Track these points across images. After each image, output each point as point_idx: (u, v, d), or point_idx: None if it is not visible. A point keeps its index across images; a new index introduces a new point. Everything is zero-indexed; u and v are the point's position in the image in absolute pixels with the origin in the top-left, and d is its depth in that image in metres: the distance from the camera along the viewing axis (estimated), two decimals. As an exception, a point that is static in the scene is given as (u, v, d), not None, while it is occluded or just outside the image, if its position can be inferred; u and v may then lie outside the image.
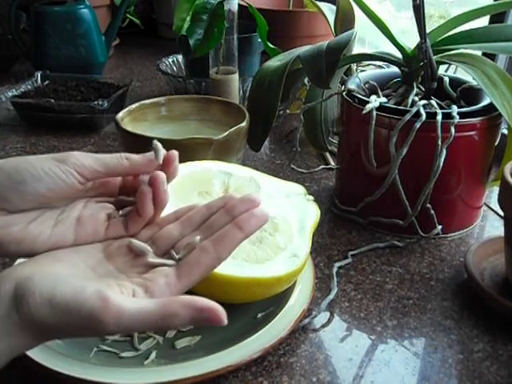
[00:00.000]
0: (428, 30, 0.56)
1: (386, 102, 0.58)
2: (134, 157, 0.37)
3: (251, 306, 0.47)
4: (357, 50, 0.79)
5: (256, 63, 1.02)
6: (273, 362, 0.44)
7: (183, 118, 0.72)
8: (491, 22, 0.81)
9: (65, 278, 0.30)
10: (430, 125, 0.54)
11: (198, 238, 0.34)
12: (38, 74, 0.98)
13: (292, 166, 0.77)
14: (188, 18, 0.81)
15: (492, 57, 0.72)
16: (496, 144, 0.60)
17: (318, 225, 0.50)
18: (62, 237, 0.35)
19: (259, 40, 0.95)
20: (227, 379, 0.42)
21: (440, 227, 0.58)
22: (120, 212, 0.37)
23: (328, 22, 0.88)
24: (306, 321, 0.48)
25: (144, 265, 0.34)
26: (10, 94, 0.91)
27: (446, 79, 0.62)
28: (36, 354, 0.40)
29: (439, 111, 0.54)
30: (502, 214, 0.51)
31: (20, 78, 1.00)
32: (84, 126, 0.88)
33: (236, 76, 0.81)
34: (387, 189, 0.56)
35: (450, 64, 0.65)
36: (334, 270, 0.54)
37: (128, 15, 1.37)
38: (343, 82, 0.67)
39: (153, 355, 0.43)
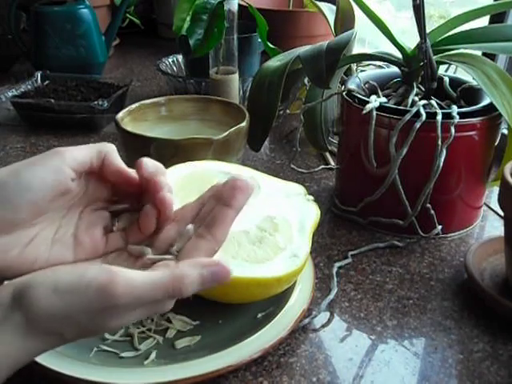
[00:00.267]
0: (428, 30, 0.56)
1: (385, 102, 0.58)
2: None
3: (251, 306, 0.47)
4: (357, 49, 0.79)
5: (256, 63, 1.02)
6: (273, 362, 0.44)
7: (183, 118, 0.72)
8: (491, 22, 0.81)
9: (65, 268, 0.30)
10: (429, 125, 0.54)
11: (191, 226, 0.34)
12: (38, 74, 0.98)
13: (292, 165, 0.77)
14: (188, 18, 0.81)
15: (492, 57, 0.72)
16: (496, 144, 0.60)
17: (318, 225, 0.50)
18: (61, 258, 0.33)
19: (259, 40, 0.95)
20: (227, 379, 0.42)
21: (440, 227, 0.58)
22: (117, 223, 0.36)
23: (328, 21, 0.88)
24: (306, 321, 0.48)
25: (144, 264, 0.33)
26: (10, 93, 0.91)
27: (446, 79, 0.62)
28: (36, 354, 0.40)
29: (439, 111, 0.54)
30: (502, 213, 0.51)
31: (20, 78, 1.00)
32: (84, 126, 0.88)
33: (236, 76, 0.81)
34: (387, 189, 0.56)
35: (450, 64, 0.65)
36: (334, 269, 0.54)
37: (128, 15, 1.37)
38: (343, 82, 0.67)
39: (153, 355, 0.43)
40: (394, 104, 0.60)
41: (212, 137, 0.59)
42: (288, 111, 0.90)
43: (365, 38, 1.21)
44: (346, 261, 0.56)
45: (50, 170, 0.32)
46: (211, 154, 0.59)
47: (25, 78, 0.97)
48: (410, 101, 0.59)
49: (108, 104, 0.85)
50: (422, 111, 0.54)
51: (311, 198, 0.52)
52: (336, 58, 0.57)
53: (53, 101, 0.86)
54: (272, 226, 0.46)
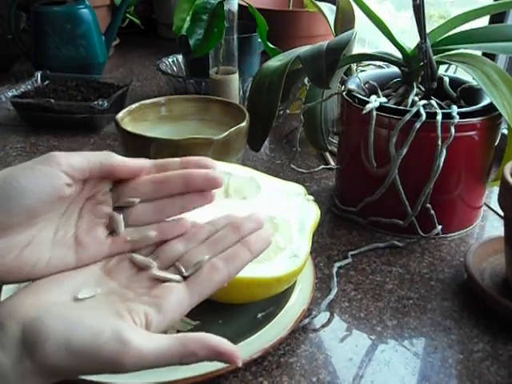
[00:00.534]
0: (428, 30, 0.56)
1: (385, 102, 0.58)
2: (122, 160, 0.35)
3: (251, 306, 0.47)
4: (357, 50, 0.79)
5: (256, 63, 1.02)
6: (273, 362, 0.44)
7: (183, 118, 0.72)
8: (491, 22, 0.81)
9: (77, 318, 0.29)
10: (429, 125, 0.54)
11: (207, 257, 0.34)
12: (38, 74, 0.98)
13: (292, 165, 0.77)
14: (188, 18, 0.81)
15: (492, 57, 0.73)
16: (496, 144, 0.60)
17: (318, 225, 0.50)
18: (63, 261, 0.33)
19: (259, 40, 0.95)
20: (227, 379, 0.42)
21: (440, 227, 0.59)
22: (122, 219, 0.35)
23: (328, 21, 0.88)
24: (306, 321, 0.48)
25: (148, 278, 0.33)
26: (10, 93, 0.91)
27: (446, 79, 0.62)
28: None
29: (439, 111, 0.54)
30: (502, 213, 0.51)
31: (20, 78, 1.00)
32: (84, 126, 0.88)
33: (236, 76, 0.81)
34: (387, 189, 0.56)
35: (450, 64, 0.65)
36: (334, 270, 0.54)
37: (128, 15, 1.37)
38: (343, 82, 0.67)
39: (153, 355, 0.43)
40: (394, 104, 0.60)
41: (212, 137, 0.59)
42: (288, 111, 0.90)
43: (365, 38, 1.21)
44: (346, 261, 0.56)
45: (45, 175, 0.31)
46: (211, 154, 0.59)
47: (25, 78, 0.97)
48: (409, 101, 0.59)
49: (108, 104, 0.85)
50: (422, 111, 0.54)
51: (311, 198, 0.52)
52: (336, 58, 0.57)
53: (53, 101, 0.86)
54: (272, 226, 0.46)
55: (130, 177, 0.35)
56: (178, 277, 0.33)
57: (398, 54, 0.62)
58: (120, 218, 0.35)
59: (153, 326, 0.30)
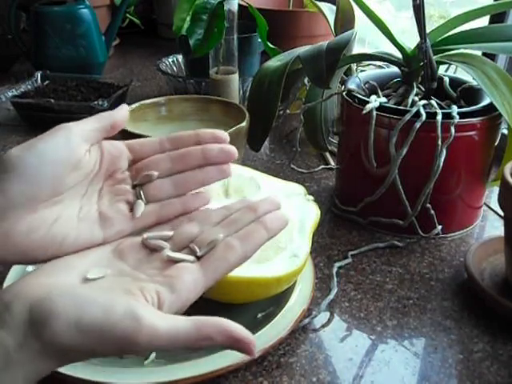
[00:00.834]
0: (428, 30, 0.56)
1: (385, 102, 0.58)
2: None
3: (251, 306, 0.47)
4: (357, 50, 0.79)
5: (256, 63, 1.02)
6: (273, 362, 0.44)
7: (183, 118, 0.72)
8: (491, 22, 0.81)
9: (87, 296, 0.28)
10: (429, 125, 0.54)
11: (221, 235, 0.33)
12: (38, 74, 0.98)
13: (292, 165, 0.77)
14: (188, 18, 0.81)
15: (492, 57, 0.73)
16: (496, 144, 0.60)
17: (318, 225, 0.50)
18: (90, 236, 0.33)
19: (259, 40, 0.95)
20: (227, 379, 0.42)
21: (440, 227, 0.59)
22: (143, 196, 0.35)
23: (328, 21, 0.88)
24: (306, 321, 0.48)
25: (161, 260, 0.32)
26: (10, 93, 0.91)
27: (446, 79, 0.62)
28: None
29: (439, 111, 0.54)
30: (502, 213, 0.51)
31: (20, 78, 1.00)
32: (84, 126, 0.88)
33: (236, 76, 0.81)
34: (387, 189, 0.56)
35: (450, 64, 0.65)
36: (334, 270, 0.54)
37: (128, 15, 1.37)
38: (343, 82, 0.67)
39: (153, 355, 0.43)
40: (394, 104, 0.60)
41: (212, 137, 0.59)
42: (288, 111, 0.90)
43: (365, 38, 1.21)
44: (346, 261, 0.56)
45: (60, 141, 0.32)
46: (211, 153, 0.59)
47: (25, 78, 0.97)
48: (409, 101, 0.59)
49: (108, 104, 0.85)
50: (422, 111, 0.54)
51: (311, 198, 0.52)
52: (336, 58, 0.57)
53: (53, 101, 0.86)
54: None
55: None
56: (191, 257, 0.32)
57: (398, 54, 0.62)
58: (141, 192, 0.35)
59: (165, 306, 0.29)
